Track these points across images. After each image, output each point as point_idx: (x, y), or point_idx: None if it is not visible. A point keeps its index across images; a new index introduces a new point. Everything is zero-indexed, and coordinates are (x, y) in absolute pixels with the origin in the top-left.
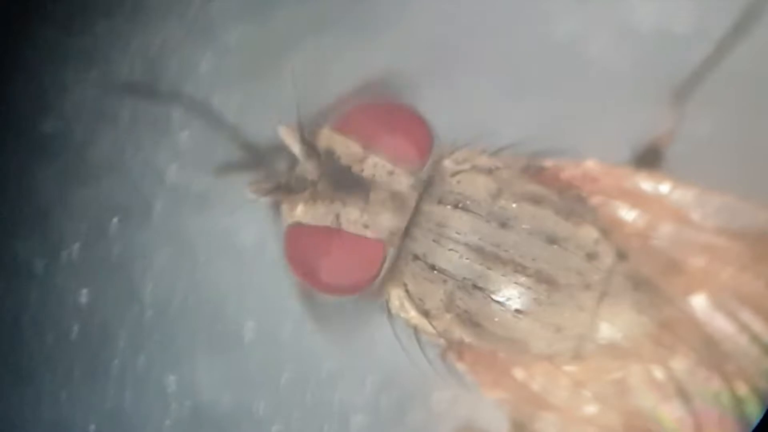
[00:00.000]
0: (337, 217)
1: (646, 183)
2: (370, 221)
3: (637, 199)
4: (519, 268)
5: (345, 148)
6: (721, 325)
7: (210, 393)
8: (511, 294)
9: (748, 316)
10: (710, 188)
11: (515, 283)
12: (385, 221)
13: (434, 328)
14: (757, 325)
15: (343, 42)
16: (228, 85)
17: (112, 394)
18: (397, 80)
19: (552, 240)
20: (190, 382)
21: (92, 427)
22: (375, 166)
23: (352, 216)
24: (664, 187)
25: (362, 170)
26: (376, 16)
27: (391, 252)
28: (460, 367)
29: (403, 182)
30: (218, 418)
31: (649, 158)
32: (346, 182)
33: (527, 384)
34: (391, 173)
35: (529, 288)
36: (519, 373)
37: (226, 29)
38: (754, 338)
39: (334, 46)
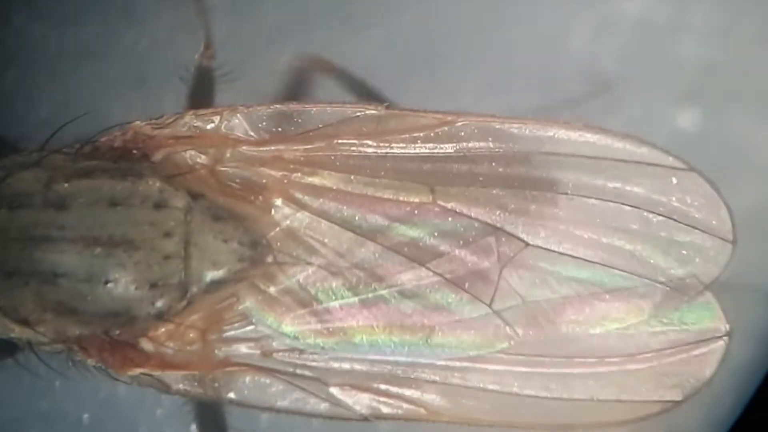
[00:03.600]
0: None
1: (197, 122)
2: None
3: (197, 140)
4: (92, 241)
5: None
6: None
7: None
8: (93, 269)
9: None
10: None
11: (93, 256)
12: None
13: (43, 334)
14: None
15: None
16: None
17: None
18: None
19: (114, 203)
20: None
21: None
22: None
23: None
24: (215, 120)
25: None
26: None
27: None
28: (90, 362)
29: None
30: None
31: None
32: None
33: (160, 351)
34: None
35: (120, 256)
36: (147, 345)
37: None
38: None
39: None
